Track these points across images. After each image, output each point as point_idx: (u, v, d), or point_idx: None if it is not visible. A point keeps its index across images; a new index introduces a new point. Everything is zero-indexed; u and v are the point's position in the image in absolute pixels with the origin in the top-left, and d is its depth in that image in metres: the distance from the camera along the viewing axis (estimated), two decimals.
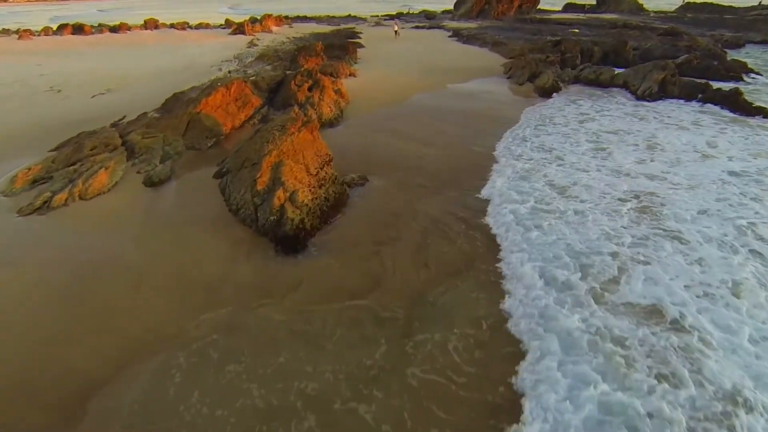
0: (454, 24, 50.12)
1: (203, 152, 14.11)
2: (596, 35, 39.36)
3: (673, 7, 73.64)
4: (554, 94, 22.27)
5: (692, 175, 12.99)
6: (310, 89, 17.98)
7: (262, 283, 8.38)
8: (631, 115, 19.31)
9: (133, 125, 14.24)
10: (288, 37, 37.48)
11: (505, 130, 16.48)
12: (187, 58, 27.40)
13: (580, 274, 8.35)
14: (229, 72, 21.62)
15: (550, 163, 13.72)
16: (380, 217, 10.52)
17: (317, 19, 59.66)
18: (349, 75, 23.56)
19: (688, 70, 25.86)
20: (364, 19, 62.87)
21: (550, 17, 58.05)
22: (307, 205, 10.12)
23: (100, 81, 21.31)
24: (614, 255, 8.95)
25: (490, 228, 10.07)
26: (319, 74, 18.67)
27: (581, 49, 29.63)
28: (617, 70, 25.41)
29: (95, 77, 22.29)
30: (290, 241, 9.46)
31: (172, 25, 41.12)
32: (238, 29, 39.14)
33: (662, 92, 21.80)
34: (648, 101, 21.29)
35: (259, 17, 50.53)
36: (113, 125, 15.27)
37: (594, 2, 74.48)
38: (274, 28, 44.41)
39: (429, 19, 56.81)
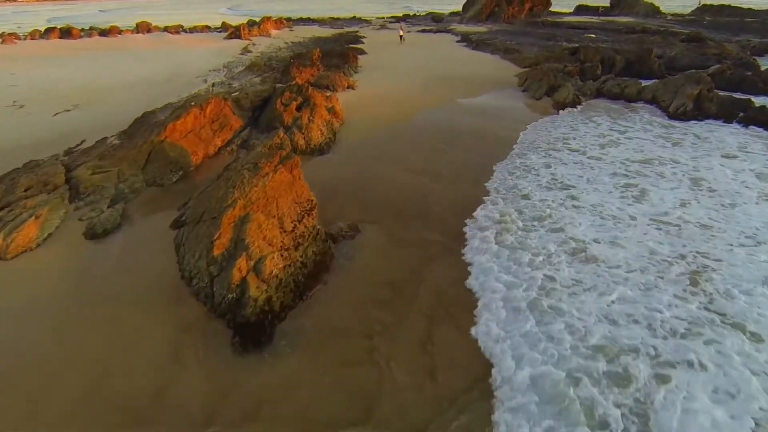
0: (463, 27, 47.74)
1: (166, 189, 11.91)
2: (615, 41, 36.86)
3: (688, 10, 70.98)
4: (575, 109, 19.91)
5: (752, 224, 10.61)
6: (299, 108, 15.73)
7: (209, 402, 6.13)
8: (663, 138, 16.89)
9: (85, 155, 12.06)
10: (286, 42, 35.30)
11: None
12: (173, 66, 25.26)
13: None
14: (213, 85, 19.44)
15: (564, 206, 11.34)
16: (373, 290, 8.25)
17: (320, 22, 57.52)
18: (347, 87, 21.30)
19: (720, 81, 23.33)
20: (368, 22, 60.66)
21: (563, 20, 55.56)
22: (277, 276, 7.88)
23: (70, 95, 19.19)
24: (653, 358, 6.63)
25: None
26: (310, 90, 16.41)
27: (602, 58, 27.18)
28: (643, 82, 22.98)
29: (66, 89, 20.19)
30: (252, 330, 7.23)
31: (165, 29, 39.11)
32: (234, 33, 37.04)
33: (697, 110, 19.35)
34: (681, 121, 18.84)
35: (258, 19, 48.46)
36: (67, 153, 13.11)
37: (608, 5, 72.03)
38: (273, 32, 42.27)
39: (436, 22, 54.46)
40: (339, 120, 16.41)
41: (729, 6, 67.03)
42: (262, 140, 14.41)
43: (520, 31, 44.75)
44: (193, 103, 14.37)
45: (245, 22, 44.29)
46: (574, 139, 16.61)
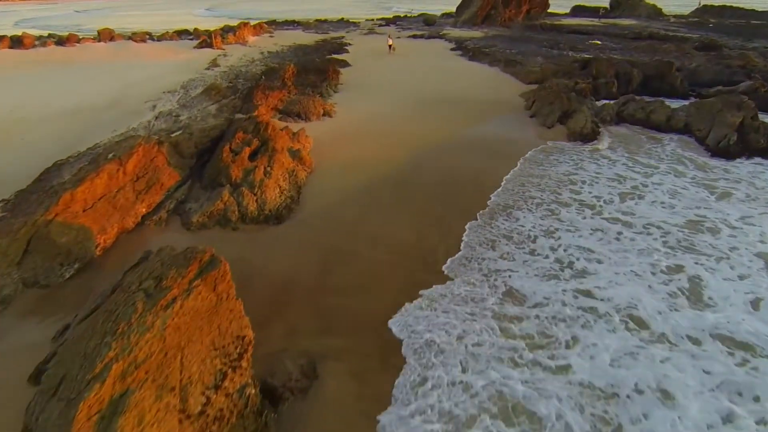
0: (457, 32, 44.40)
1: (53, 292, 8.47)
2: (623, 49, 33.74)
3: (688, 10, 68.34)
4: (593, 143, 16.66)
5: None
6: (253, 155, 12.31)
7: None
8: (705, 185, 13.68)
9: None
10: (262, 53, 31.73)
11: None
12: (123, 86, 21.67)
13: None
14: (157, 117, 15.90)
15: (573, 313, 8.01)
16: None
17: (305, 25, 53.90)
18: (323, 115, 17.88)
19: (753, 100, 20.28)
20: (357, 25, 57.14)
21: (561, 23, 52.48)
22: None
23: None
24: None
25: None
26: (270, 129, 13.00)
27: (617, 73, 23.98)
28: (668, 102, 19.86)
29: None
30: None
31: (130, 37, 35.36)
32: (205, 42, 33.39)
33: (741, 142, 16.18)
34: (724, 158, 15.64)
35: (235, 24, 44.77)
36: None
37: (606, 5, 69.20)
38: (251, 39, 38.66)
39: (428, 26, 51.08)
40: (306, 167, 12.99)
41: (731, 7, 64.48)
42: (202, 202, 10.99)
43: (518, 36, 41.50)
44: (111, 155, 10.90)
45: (220, 27, 40.71)
46: (589, 185, 13.36)
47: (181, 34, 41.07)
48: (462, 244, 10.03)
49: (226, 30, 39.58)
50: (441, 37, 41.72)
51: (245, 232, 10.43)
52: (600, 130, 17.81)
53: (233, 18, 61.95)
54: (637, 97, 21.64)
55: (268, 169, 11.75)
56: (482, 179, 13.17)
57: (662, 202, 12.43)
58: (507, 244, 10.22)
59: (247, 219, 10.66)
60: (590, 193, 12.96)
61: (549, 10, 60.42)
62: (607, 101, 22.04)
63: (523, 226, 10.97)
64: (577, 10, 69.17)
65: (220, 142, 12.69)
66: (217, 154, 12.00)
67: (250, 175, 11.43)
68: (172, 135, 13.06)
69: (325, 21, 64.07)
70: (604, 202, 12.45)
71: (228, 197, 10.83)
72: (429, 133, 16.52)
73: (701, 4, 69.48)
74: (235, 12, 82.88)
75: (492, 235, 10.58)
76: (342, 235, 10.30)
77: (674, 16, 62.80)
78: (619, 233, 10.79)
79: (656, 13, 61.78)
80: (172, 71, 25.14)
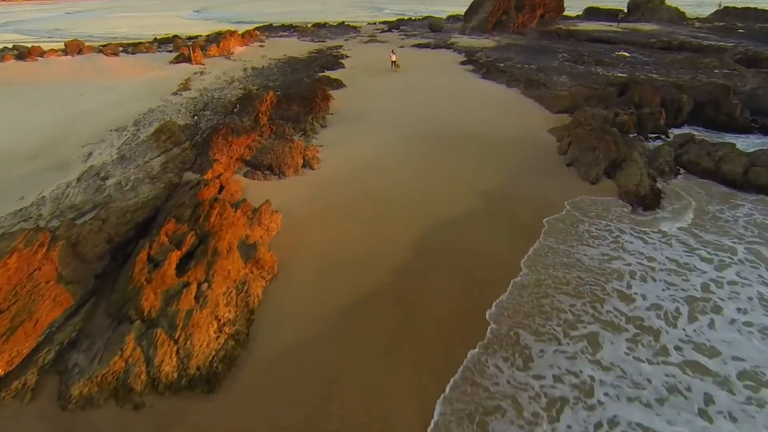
0: (466, 40, 40.31)
1: None
2: (656, 62, 29.62)
3: (706, 12, 64.02)
4: (656, 212, 12.64)
5: None
6: (183, 262, 8.40)
7: None
8: None
9: None
10: (245, 68, 27.80)
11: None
12: (65, 120, 17.86)
13: None
14: (79, 180, 11.97)
15: None
16: None
17: (301, 31, 49.92)
18: (303, 166, 13.94)
19: None
20: (358, 29, 53.17)
21: (578, 28, 48.29)
22: None
23: None
24: None
25: None
26: (215, 216, 9.12)
27: (663, 99, 19.92)
28: (731, 139, 15.95)
29: None
30: None
31: (100, 49, 31.48)
32: (182, 56, 29.47)
33: None
34: None
35: (222, 31, 40.89)
36: None
37: (619, 7, 64.99)
38: (238, 49, 34.73)
39: (434, 32, 46.99)
40: (266, 271, 9.05)
41: (755, 9, 60.24)
42: (96, 354, 7.10)
43: (535, 45, 37.37)
44: None
45: (205, 36, 36.90)
46: (640, 281, 9.67)
47: (162, 44, 37.22)
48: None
49: (211, 40, 35.67)
50: (449, 46, 37.66)
51: (154, 414, 6.54)
52: (658, 186, 13.79)
53: (222, 21, 57.93)
54: (696, 132, 17.70)
55: (204, 288, 7.83)
56: (499, 268, 9.27)
57: (748, 324, 8.53)
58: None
59: (161, 386, 6.76)
60: (644, 298, 9.26)
61: (565, 14, 56.25)
62: (657, 139, 18.03)
63: (539, 379, 7.09)
64: (591, 13, 64.89)
65: (141, 240, 8.75)
66: (127, 267, 8.07)
67: (173, 303, 7.50)
68: (78, 222, 9.15)
69: (324, 25, 60.13)
70: (667, 320, 8.62)
71: (133, 348, 6.93)
72: (438, 195, 12.57)
73: (722, 6, 65.07)
74: (227, 15, 78.58)
75: (483, 399, 6.71)
76: (311, 411, 6.39)
77: (698, 20, 58.47)
78: (708, 398, 6.90)
79: (679, 17, 57.40)
80: (133, 96, 21.26)
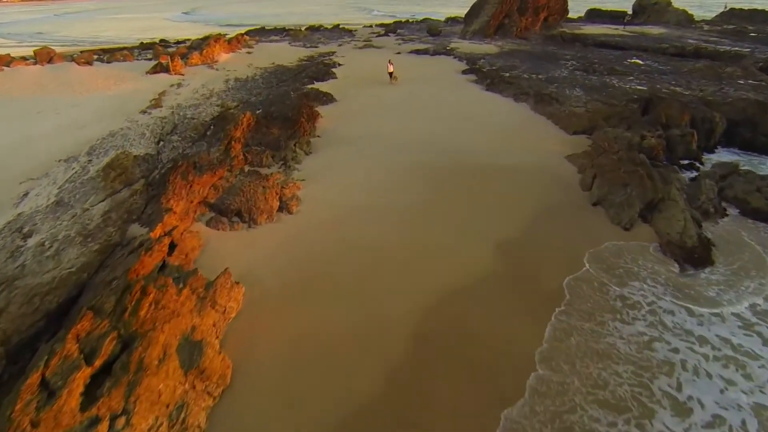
0: (467, 46, 38.04)
1: None
2: (674, 71, 27.38)
3: (711, 14, 62.01)
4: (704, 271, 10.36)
5: None
6: (109, 366, 6.06)
7: None
8: None
9: None
10: (228, 80, 25.46)
11: None
12: (10, 145, 15.48)
13: None
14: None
15: None
16: None
17: (293, 35, 47.55)
18: (279, 209, 11.61)
19: None
20: (353, 33, 50.89)
21: (583, 32, 46.09)
22: None
23: None
24: None
25: None
26: (148, 307, 6.79)
27: (692, 118, 17.67)
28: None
29: None
30: None
31: (73, 58, 29.02)
32: (160, 66, 27.08)
33: None
34: None
35: (209, 35, 38.53)
36: None
37: (626, 10, 62.96)
38: (223, 57, 32.37)
39: (433, 36, 44.72)
40: (214, 384, 6.72)
41: (762, 11, 58.29)
42: None
43: (540, 52, 35.10)
44: None
45: (190, 41, 34.57)
46: (693, 376, 7.82)
47: (145, 49, 34.84)
48: None
49: (194, 46, 33.30)
50: (449, 52, 35.36)
51: None
52: (706, 234, 11.51)
53: (211, 24, 55.44)
54: (733, 157, 15.46)
55: (121, 426, 5.50)
56: (516, 361, 6.98)
57: None
58: None
59: None
60: (701, 406, 7.09)
61: (568, 16, 54.06)
62: (690, 166, 15.76)
63: None
64: (594, 16, 62.79)
65: (35, 356, 6.42)
66: (7, 402, 5.73)
67: None
68: None
69: (319, 28, 57.89)
70: None
71: None
72: (442, 251, 10.26)
73: (727, 8, 63.00)
74: (219, 17, 75.82)
75: None
76: None
77: (706, 23, 56.37)
78: None
79: (687, 19, 55.25)
80: (97, 115, 18.90)
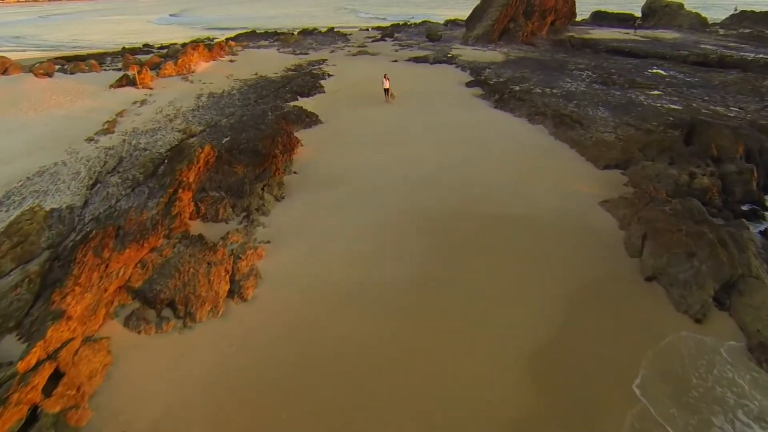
0: (469, 53, 35.01)
1: None
2: (704, 83, 24.40)
3: (721, 17, 59.15)
4: None
5: None
6: None
7: None
8: None
9: None
10: (200, 95, 22.39)
11: None
12: None
13: None
14: None
15: None
16: None
17: (283, 40, 44.45)
18: (229, 292, 8.52)
19: None
20: (348, 37, 47.87)
21: (593, 37, 43.23)
22: None
23: None
24: None
25: None
26: None
27: (747, 149, 14.65)
28: None
29: None
30: None
31: (31, 69, 25.84)
32: (126, 79, 23.95)
33: None
34: None
35: (192, 40, 35.51)
36: None
37: (632, 12, 60.16)
38: (202, 66, 29.29)
39: (432, 42, 41.68)
40: None
41: None
42: None
43: (550, 60, 32.10)
44: None
45: (152, 57, 31.53)
46: None
47: (116, 58, 31.75)
48: None
49: (170, 54, 30.21)
50: (450, 60, 32.32)
51: None
52: None
53: (197, 27, 52.17)
54: None
55: None
56: None
57: None
58: None
59: None
60: None
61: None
62: (752, 214, 12.71)
63: None
64: (600, 19, 59.88)
65: None
66: None
67: None
68: None
69: (313, 31, 54.88)
70: None
71: None
72: (452, 379, 7.20)
73: (737, 10, 60.09)
74: (209, 19, 72.42)
75: None
76: None
77: (720, 27, 53.48)
78: None
79: (700, 23, 52.33)
80: (35, 143, 15.83)
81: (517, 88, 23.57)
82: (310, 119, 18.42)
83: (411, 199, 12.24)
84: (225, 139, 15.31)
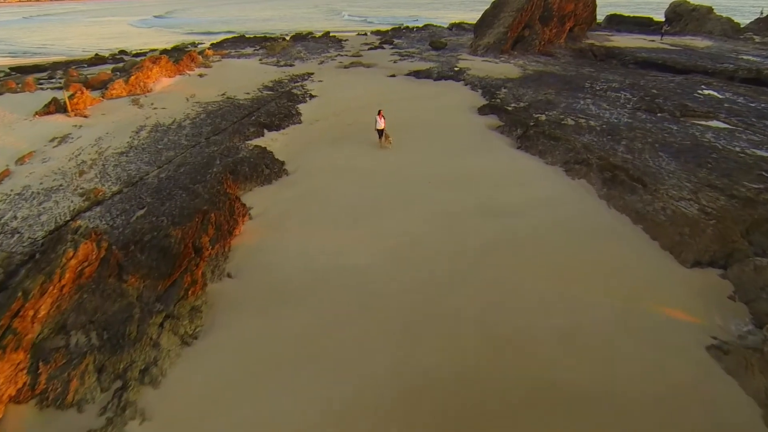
0: (479, 65, 30.19)
1: None
2: (761, 105, 19.49)
3: (745, 21, 54.14)
4: None
5: None
6: None
7: None
8: None
9: None
10: (142, 128, 17.63)
11: None
12: None
13: None
14: None
15: None
16: None
17: (269, 48, 39.68)
18: None
19: None
20: (343, 44, 43.09)
21: (614, 44, 38.44)
22: None
23: None
24: None
25: None
26: None
27: None
28: None
29: None
30: None
31: None
32: (56, 104, 19.20)
33: None
34: None
35: (162, 50, 30.83)
36: None
37: (651, 16, 55.44)
38: (164, 82, 24.61)
39: (436, 50, 36.87)
40: None
41: None
42: None
43: (575, 75, 27.25)
44: None
45: (144, 54, 27.00)
46: None
47: (92, 65, 27.13)
48: None
49: (126, 68, 25.51)
50: (458, 75, 27.52)
51: None
52: None
53: (178, 30, 47.42)
54: None
55: None
56: None
57: None
58: None
59: None
60: None
61: None
62: None
63: None
64: (616, 23, 54.94)
65: None
66: None
67: None
68: None
69: (306, 36, 50.26)
70: None
71: None
72: None
73: (764, 14, 54.99)
74: (197, 21, 67.54)
75: None
76: None
77: (754, 33, 48.39)
78: None
79: (732, 29, 47.24)
80: None
81: (543, 117, 18.76)
82: (271, 170, 13.63)
83: (403, 347, 7.43)
84: (138, 213, 10.54)
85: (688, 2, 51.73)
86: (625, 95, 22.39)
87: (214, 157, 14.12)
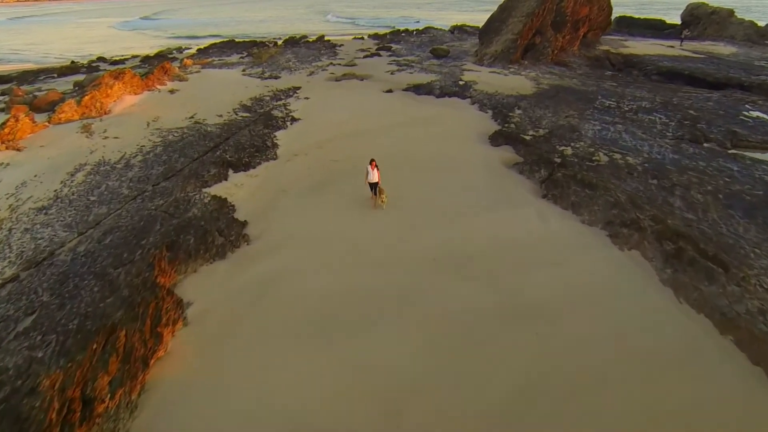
0: (486, 77, 26.94)
1: None
2: None
3: (762, 22, 50.86)
4: None
5: None
6: None
7: None
8: None
9: None
10: (82, 166, 14.42)
11: None
12: None
13: None
14: None
15: None
16: None
17: (255, 56, 36.44)
18: None
19: None
20: (337, 50, 39.83)
21: (630, 51, 35.29)
22: None
23: None
24: None
25: None
26: None
27: None
28: None
29: None
30: None
31: None
32: None
33: None
34: None
35: (145, 56, 27.63)
36: None
37: (663, 19, 52.29)
38: (127, 100, 21.44)
39: (438, 58, 33.59)
40: None
41: None
42: None
43: (596, 90, 24.01)
44: None
45: (123, 62, 23.87)
46: None
47: (63, 75, 23.94)
48: None
49: (87, 83, 22.27)
50: (463, 91, 24.29)
51: None
52: None
53: (162, 33, 44.10)
54: None
55: None
56: None
57: None
58: None
59: None
60: None
61: None
62: None
63: None
64: (627, 25, 51.62)
65: None
66: None
67: None
68: None
69: (300, 40, 47.05)
70: None
71: None
72: None
73: None
74: (186, 22, 64.12)
75: None
76: None
77: None
78: None
79: (756, 33, 43.94)
80: None
81: (569, 150, 15.53)
82: (226, 238, 10.40)
83: None
84: (22, 325, 7.33)
85: (707, 4, 48.42)
86: (660, 119, 19.15)
87: (155, 218, 10.89)
